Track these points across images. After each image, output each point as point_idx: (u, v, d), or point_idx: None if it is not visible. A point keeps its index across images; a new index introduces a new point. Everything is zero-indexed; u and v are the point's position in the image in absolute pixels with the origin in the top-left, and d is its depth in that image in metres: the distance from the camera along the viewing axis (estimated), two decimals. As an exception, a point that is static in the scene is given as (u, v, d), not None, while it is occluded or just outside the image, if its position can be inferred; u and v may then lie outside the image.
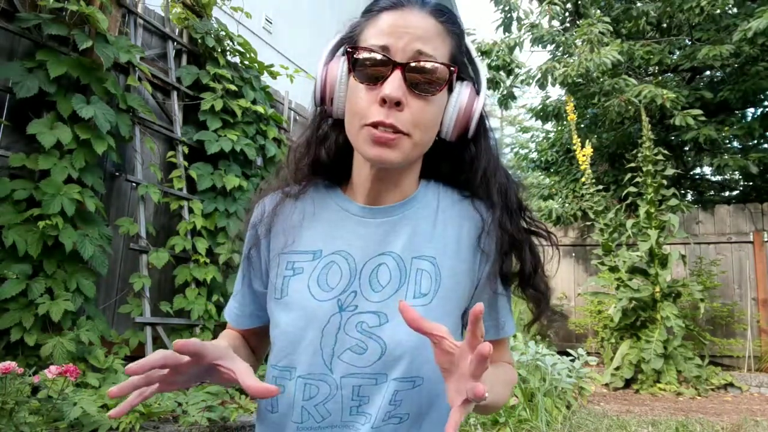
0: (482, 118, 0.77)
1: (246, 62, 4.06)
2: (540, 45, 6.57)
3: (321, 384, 0.71)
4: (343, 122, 0.75)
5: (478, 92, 0.76)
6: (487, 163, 0.78)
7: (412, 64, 0.67)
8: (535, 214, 0.83)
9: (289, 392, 0.73)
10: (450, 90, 0.73)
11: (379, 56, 0.68)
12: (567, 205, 6.64)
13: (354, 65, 0.70)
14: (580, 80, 5.87)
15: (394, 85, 0.66)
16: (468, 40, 0.78)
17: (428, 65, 0.68)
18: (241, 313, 0.85)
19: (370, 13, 0.73)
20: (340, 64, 0.73)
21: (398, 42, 0.68)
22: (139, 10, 3.42)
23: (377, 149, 0.68)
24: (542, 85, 6.09)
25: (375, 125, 0.67)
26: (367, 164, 0.74)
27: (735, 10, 5.84)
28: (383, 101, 0.66)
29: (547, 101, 7.04)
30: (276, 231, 0.80)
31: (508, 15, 6.54)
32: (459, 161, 0.80)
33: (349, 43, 0.74)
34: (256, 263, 0.82)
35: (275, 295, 0.77)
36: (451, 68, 0.69)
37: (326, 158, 0.80)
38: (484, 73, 0.78)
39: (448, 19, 0.73)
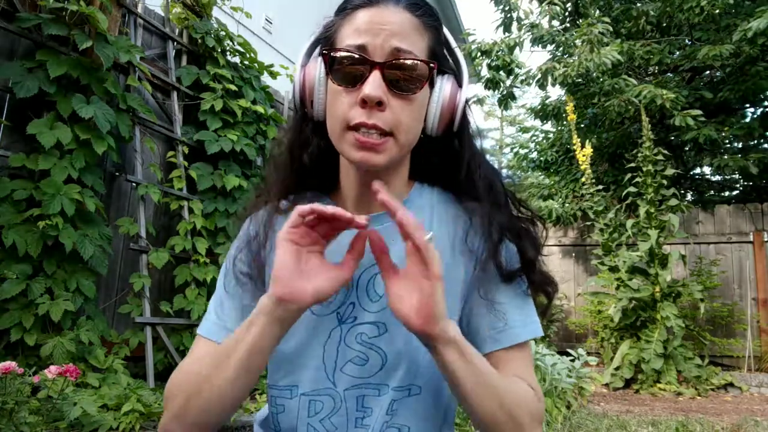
0: (464, 111, 0.75)
1: (246, 62, 4.06)
2: (540, 45, 6.57)
3: (325, 398, 0.71)
4: (323, 125, 0.73)
5: (460, 84, 0.74)
6: (470, 156, 0.76)
7: (391, 63, 0.65)
8: (528, 204, 0.80)
9: (291, 411, 0.72)
10: (431, 85, 0.71)
11: (356, 56, 0.65)
12: (567, 205, 6.64)
13: (331, 67, 0.67)
14: (580, 80, 5.88)
15: (374, 84, 0.64)
16: (446, 31, 0.76)
17: (407, 62, 0.66)
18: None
19: (344, 11, 0.71)
20: (318, 66, 0.70)
21: (375, 40, 0.65)
22: (139, 10, 3.42)
23: (362, 153, 0.66)
24: (542, 85, 6.08)
25: (357, 127, 0.65)
26: (353, 168, 0.73)
27: (734, 10, 5.83)
28: (364, 102, 0.64)
29: (547, 101, 7.03)
30: (270, 247, 0.77)
31: (508, 15, 6.54)
32: (444, 156, 0.77)
33: (325, 44, 0.72)
34: (248, 282, 0.77)
35: None
36: (431, 64, 0.67)
37: (310, 163, 0.77)
38: (465, 64, 0.76)
39: (424, 12, 0.70)
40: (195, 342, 0.78)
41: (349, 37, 0.67)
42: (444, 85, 0.71)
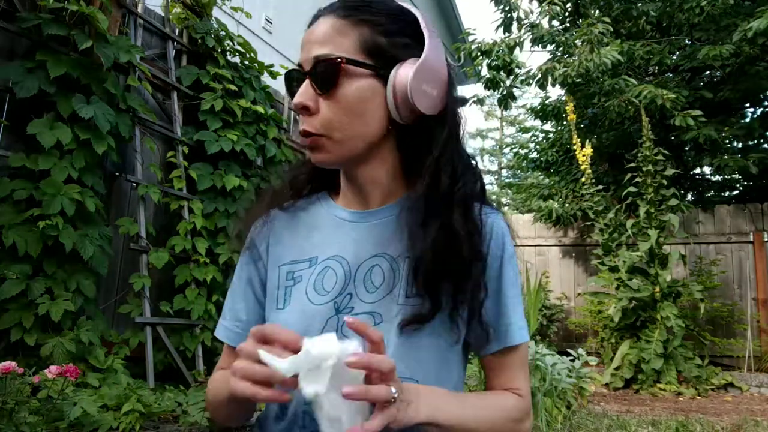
0: (447, 97, 0.75)
1: (246, 62, 4.06)
2: (540, 45, 6.57)
3: None
4: None
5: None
6: (435, 141, 0.74)
7: (312, 69, 0.71)
8: (484, 207, 0.77)
9: (295, 398, 0.73)
10: (381, 76, 0.71)
11: (293, 73, 0.75)
12: (567, 205, 6.64)
13: (289, 87, 0.77)
14: (580, 80, 5.86)
15: (299, 92, 0.72)
16: (418, 15, 0.74)
17: (321, 64, 0.70)
18: (245, 331, 0.83)
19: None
20: None
21: (305, 55, 0.73)
22: (139, 10, 3.42)
23: (311, 153, 0.74)
24: (542, 86, 6.08)
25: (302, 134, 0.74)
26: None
27: (734, 10, 5.83)
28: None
29: (547, 101, 7.03)
30: (274, 244, 0.83)
31: (508, 15, 6.53)
32: (413, 145, 0.76)
33: None
34: (255, 278, 0.84)
35: (277, 305, 0.79)
36: (338, 59, 0.70)
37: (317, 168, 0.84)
38: (433, 44, 0.73)
39: (354, 11, 0.72)
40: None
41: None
42: (398, 72, 0.71)
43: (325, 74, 0.70)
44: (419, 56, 0.71)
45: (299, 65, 0.74)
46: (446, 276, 0.71)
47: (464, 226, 0.73)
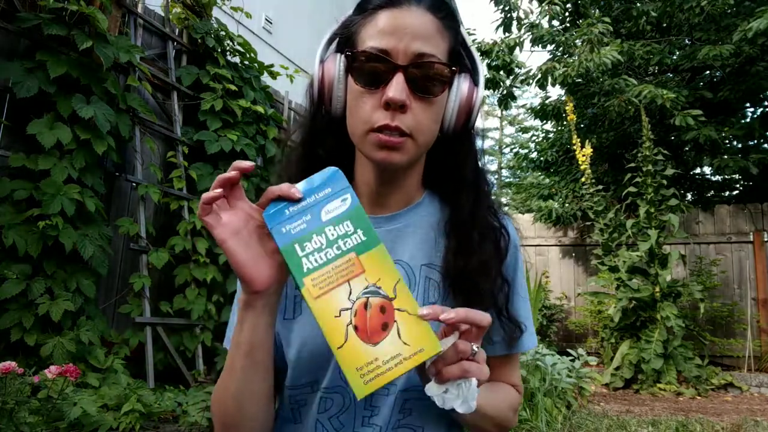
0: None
1: (246, 62, 4.06)
2: (540, 45, 6.57)
3: (336, 396, 0.71)
4: (340, 121, 0.73)
5: (476, 83, 0.74)
6: (475, 153, 0.78)
7: (414, 65, 0.65)
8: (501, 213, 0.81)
9: (311, 405, 0.73)
10: (449, 85, 0.71)
11: (380, 59, 0.65)
12: (567, 205, 6.64)
13: (354, 69, 0.68)
14: (580, 80, 5.87)
15: (398, 87, 0.64)
16: (463, 29, 0.75)
17: (430, 66, 0.66)
18: None
19: (365, 11, 0.70)
20: (337, 63, 0.70)
21: (399, 43, 0.65)
22: (139, 10, 3.42)
23: (383, 152, 0.67)
24: (542, 85, 6.08)
25: (381, 129, 0.65)
26: (371, 166, 0.73)
27: (734, 10, 5.83)
28: (387, 104, 0.65)
29: (547, 101, 7.04)
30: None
31: (508, 15, 6.53)
32: (455, 153, 0.78)
33: (345, 42, 0.72)
34: None
35: (285, 315, 0.75)
36: (453, 67, 0.68)
37: (324, 159, 0.77)
38: (480, 62, 0.76)
39: (446, 13, 0.70)
40: None
41: (371, 39, 0.67)
42: (461, 85, 0.71)
43: (433, 77, 0.66)
44: (467, 67, 0.73)
45: (384, 51, 0.66)
46: (481, 279, 0.72)
47: (496, 228, 0.76)
